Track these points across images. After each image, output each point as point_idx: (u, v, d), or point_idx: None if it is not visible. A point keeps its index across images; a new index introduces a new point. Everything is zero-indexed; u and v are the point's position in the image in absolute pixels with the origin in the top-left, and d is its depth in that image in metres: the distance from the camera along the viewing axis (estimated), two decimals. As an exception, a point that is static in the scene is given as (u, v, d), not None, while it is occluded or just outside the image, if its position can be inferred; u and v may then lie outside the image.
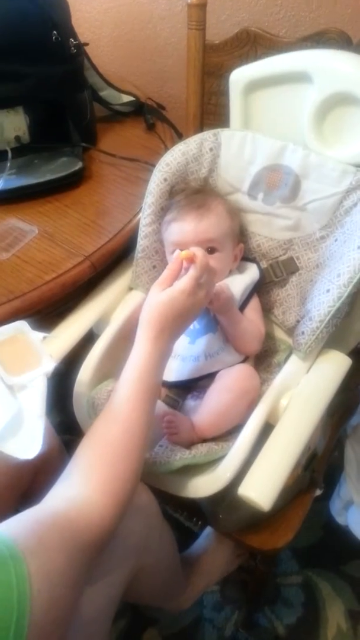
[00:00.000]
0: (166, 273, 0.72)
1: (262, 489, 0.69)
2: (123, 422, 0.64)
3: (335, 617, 1.19)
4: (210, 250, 0.85)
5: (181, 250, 0.86)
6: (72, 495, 0.58)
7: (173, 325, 0.70)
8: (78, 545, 0.52)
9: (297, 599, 1.22)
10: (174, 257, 0.73)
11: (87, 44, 1.08)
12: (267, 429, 0.77)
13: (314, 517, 1.29)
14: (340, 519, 1.25)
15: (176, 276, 0.72)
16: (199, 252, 0.72)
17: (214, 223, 0.85)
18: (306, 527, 0.90)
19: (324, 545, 1.28)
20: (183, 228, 0.86)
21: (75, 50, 1.02)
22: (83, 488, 0.59)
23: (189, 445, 0.80)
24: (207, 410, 0.82)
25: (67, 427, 0.93)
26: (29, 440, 0.63)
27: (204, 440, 0.81)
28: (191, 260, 0.72)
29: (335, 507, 1.25)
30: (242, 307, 0.89)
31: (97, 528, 0.56)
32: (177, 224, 0.87)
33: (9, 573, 0.43)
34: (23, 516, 0.52)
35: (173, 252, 0.88)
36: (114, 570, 0.68)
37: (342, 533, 1.23)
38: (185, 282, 0.70)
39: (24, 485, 0.85)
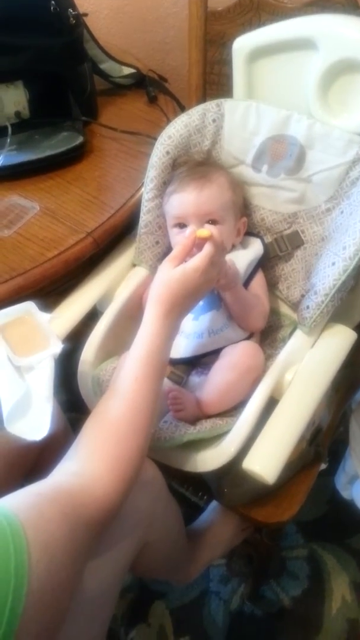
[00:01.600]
0: (179, 249, 0.71)
1: (266, 462, 0.69)
2: (130, 399, 0.64)
3: (340, 589, 1.20)
4: (211, 223, 0.84)
5: (180, 223, 0.86)
6: (77, 470, 0.58)
7: (183, 303, 0.69)
8: (80, 520, 0.52)
9: (302, 572, 1.23)
10: (188, 233, 0.72)
11: (86, 15, 1.06)
12: (271, 404, 0.77)
13: (319, 492, 1.30)
14: (345, 493, 1.25)
15: (188, 253, 0.71)
16: (215, 230, 0.71)
17: (215, 194, 0.84)
18: (311, 501, 0.90)
19: (329, 519, 1.29)
20: (183, 200, 0.85)
21: (74, 21, 0.99)
22: (88, 464, 0.59)
23: (193, 421, 0.80)
24: (211, 387, 0.82)
25: (72, 405, 0.94)
26: (36, 422, 0.63)
27: (209, 416, 0.81)
28: (206, 238, 0.70)
29: (340, 482, 1.26)
30: (247, 282, 0.88)
31: (101, 504, 0.56)
32: (178, 195, 0.86)
33: (7, 543, 0.43)
34: (25, 490, 0.52)
35: (174, 225, 0.87)
36: (120, 544, 0.69)
37: (347, 507, 1.24)
38: (199, 260, 0.69)
39: (29, 462, 0.85)
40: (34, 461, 0.87)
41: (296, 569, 1.23)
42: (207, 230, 0.71)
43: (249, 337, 0.88)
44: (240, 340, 0.86)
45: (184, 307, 0.70)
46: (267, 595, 1.20)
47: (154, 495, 0.77)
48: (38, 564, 0.44)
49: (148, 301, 0.69)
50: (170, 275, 0.68)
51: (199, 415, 0.81)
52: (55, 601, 0.46)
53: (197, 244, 0.71)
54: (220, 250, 0.71)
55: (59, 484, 0.56)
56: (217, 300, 0.85)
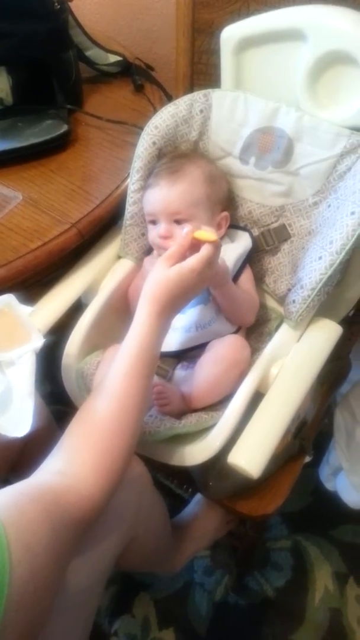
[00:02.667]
0: (176, 249, 0.70)
1: (251, 457, 0.69)
2: (119, 397, 0.63)
3: (322, 579, 1.22)
4: (179, 222, 0.83)
5: (153, 220, 0.85)
6: (62, 468, 0.58)
7: (177, 303, 0.70)
8: (64, 520, 0.51)
9: (286, 563, 1.24)
10: (185, 233, 0.70)
11: (71, 0, 1.03)
12: (257, 398, 0.77)
13: (303, 483, 1.31)
14: (329, 485, 1.27)
15: (185, 252, 0.70)
16: (214, 234, 0.70)
17: (185, 191, 0.82)
18: (295, 493, 0.91)
19: (312, 510, 1.31)
20: (154, 196, 0.84)
21: (59, 7, 0.97)
22: (73, 462, 0.58)
23: (179, 415, 0.80)
24: (197, 381, 0.82)
25: (57, 397, 0.93)
26: (18, 419, 0.63)
27: (194, 410, 0.80)
28: (205, 241, 0.70)
29: (324, 473, 1.27)
30: (236, 277, 0.88)
31: (85, 504, 0.55)
32: (150, 191, 0.85)
33: None
34: (8, 488, 0.51)
35: (148, 221, 0.87)
36: (105, 541, 0.68)
37: (331, 498, 1.26)
38: (197, 261, 0.68)
39: (12, 458, 0.85)
40: (18, 456, 0.86)
41: (280, 560, 1.25)
42: (206, 232, 0.70)
43: (236, 331, 0.88)
44: (228, 334, 0.86)
45: (177, 306, 0.70)
46: (251, 586, 1.21)
47: (140, 492, 0.77)
48: (20, 563, 0.44)
49: (141, 298, 0.69)
50: (166, 274, 0.68)
51: (185, 409, 0.81)
52: (38, 602, 0.45)
53: (195, 244, 0.70)
54: (218, 252, 0.71)
55: (42, 482, 0.55)
56: (205, 295, 0.85)
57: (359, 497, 1.13)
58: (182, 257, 0.69)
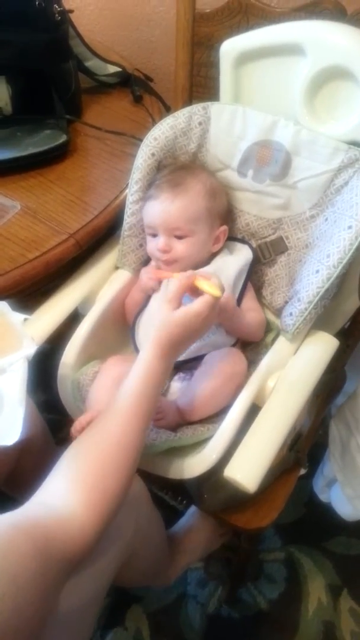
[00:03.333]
0: (176, 289, 0.70)
1: (248, 471, 0.69)
2: (118, 436, 0.63)
3: (316, 591, 1.21)
4: (179, 237, 0.84)
5: (152, 233, 0.86)
6: (55, 504, 0.56)
7: (182, 346, 0.70)
8: (53, 556, 0.50)
9: (279, 575, 1.24)
10: (186, 275, 0.72)
11: (72, 11, 1.04)
12: (254, 410, 0.77)
13: (297, 495, 1.31)
14: (323, 497, 1.26)
15: (183, 293, 0.71)
16: (218, 289, 0.70)
17: (186, 206, 0.83)
18: (289, 504, 0.91)
19: (306, 522, 1.30)
20: (154, 209, 0.84)
21: (59, 17, 0.97)
22: (67, 499, 0.57)
23: (174, 427, 0.80)
24: (193, 394, 0.81)
25: (51, 406, 0.92)
26: (8, 427, 0.62)
27: (190, 423, 0.80)
28: (206, 292, 0.70)
29: (318, 485, 1.27)
30: (241, 294, 0.88)
31: (76, 542, 0.54)
32: (151, 203, 0.85)
33: None
34: (0, 518, 0.51)
35: (148, 233, 0.88)
36: (102, 561, 0.67)
37: (325, 510, 1.25)
38: (202, 306, 0.69)
39: (8, 465, 0.84)
40: (14, 463, 0.85)
41: (273, 572, 1.24)
42: (210, 286, 0.70)
43: (235, 343, 0.88)
44: (225, 346, 0.86)
45: (181, 349, 0.71)
46: (244, 598, 1.21)
47: (138, 510, 0.77)
48: (3, 597, 0.43)
49: (148, 337, 0.69)
50: (173, 318, 0.68)
51: (180, 422, 0.80)
52: (21, 634, 0.44)
53: (192, 289, 0.71)
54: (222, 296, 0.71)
55: (34, 516, 0.54)
56: None
57: (352, 509, 1.12)
58: (182, 296, 0.70)
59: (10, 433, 0.61)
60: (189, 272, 0.73)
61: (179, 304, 0.70)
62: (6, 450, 0.74)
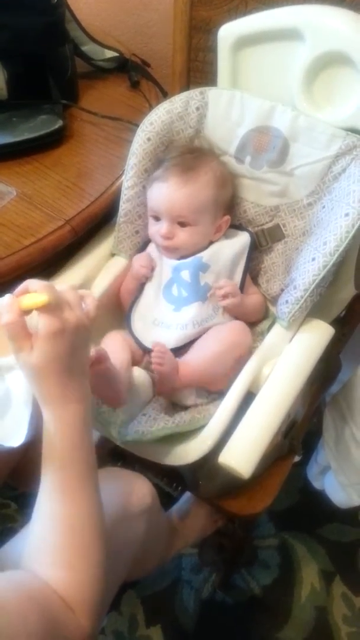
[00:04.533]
0: (15, 334, 0.54)
1: (242, 457, 0.70)
2: (73, 517, 0.55)
3: (309, 577, 1.23)
4: (181, 225, 0.84)
5: (155, 216, 0.85)
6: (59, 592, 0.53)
7: (68, 371, 0.55)
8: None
9: (273, 561, 1.25)
10: (8, 305, 0.54)
11: (68, -6, 1.03)
12: (249, 398, 0.77)
13: (291, 482, 1.31)
14: (316, 484, 1.28)
15: (24, 327, 0.54)
16: (41, 294, 0.54)
17: (194, 193, 0.82)
18: (283, 492, 0.92)
19: (300, 509, 1.32)
20: (161, 193, 0.84)
21: (56, 1, 0.96)
22: (67, 594, 0.53)
23: (169, 387, 0.80)
24: (194, 355, 0.81)
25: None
26: (13, 428, 0.61)
27: (185, 386, 0.81)
28: (36, 308, 0.54)
29: (312, 472, 1.28)
30: (243, 280, 0.89)
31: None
32: (158, 185, 0.84)
33: None
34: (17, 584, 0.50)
35: (150, 215, 0.87)
36: (114, 575, 0.67)
37: (318, 497, 1.26)
38: (49, 322, 0.54)
39: (13, 462, 0.83)
40: (19, 456, 0.84)
41: (267, 558, 1.25)
42: (30, 297, 0.54)
43: None
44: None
45: (72, 373, 0.56)
46: (238, 584, 1.22)
47: (151, 520, 0.77)
48: None
49: (39, 403, 0.57)
50: (31, 362, 0.54)
51: (176, 382, 0.79)
52: None
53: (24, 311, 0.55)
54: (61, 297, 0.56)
55: (45, 596, 0.51)
56: (202, 292, 0.85)
57: (345, 496, 1.13)
58: (24, 327, 0.54)
59: (16, 435, 0.60)
60: (7, 301, 0.54)
61: (25, 342, 0.54)
62: (8, 453, 0.74)
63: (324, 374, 1.05)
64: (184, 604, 1.19)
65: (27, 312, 0.54)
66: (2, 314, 0.53)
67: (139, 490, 0.76)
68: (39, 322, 0.54)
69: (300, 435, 0.99)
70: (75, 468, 0.56)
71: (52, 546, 0.55)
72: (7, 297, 0.55)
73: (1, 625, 0.45)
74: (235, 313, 0.86)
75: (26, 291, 0.55)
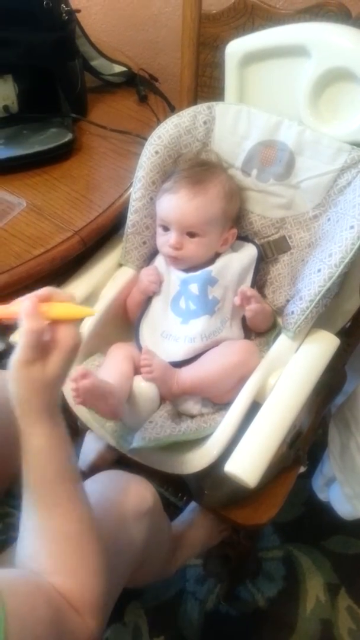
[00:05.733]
0: (35, 344, 0.51)
1: (248, 466, 0.70)
2: (72, 525, 0.56)
3: (314, 590, 1.22)
4: (190, 235, 0.85)
5: (164, 226, 0.87)
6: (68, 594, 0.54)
7: (46, 393, 0.53)
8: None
9: (278, 573, 1.24)
10: (32, 308, 0.52)
11: (79, 11, 1.05)
12: (254, 407, 0.77)
13: (296, 493, 1.31)
14: (322, 496, 1.27)
15: (39, 335, 0.52)
16: (81, 309, 0.55)
17: (205, 206, 0.84)
18: (288, 503, 0.91)
19: (305, 520, 1.31)
20: (171, 204, 0.85)
21: (66, 17, 0.99)
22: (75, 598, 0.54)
23: (166, 390, 0.80)
24: (198, 366, 0.82)
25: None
26: None
27: (183, 392, 0.81)
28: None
29: (318, 484, 1.27)
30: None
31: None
32: (168, 196, 0.86)
33: None
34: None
35: (159, 225, 0.88)
36: (115, 574, 0.67)
37: (324, 509, 1.25)
38: (71, 340, 0.53)
39: (17, 467, 0.84)
40: (18, 472, 0.85)
41: (272, 570, 1.25)
42: (69, 307, 0.54)
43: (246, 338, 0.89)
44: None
45: (48, 393, 0.54)
46: (243, 596, 1.21)
47: (152, 522, 0.77)
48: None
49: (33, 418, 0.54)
50: (48, 378, 0.53)
51: (173, 387, 0.80)
52: None
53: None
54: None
55: (50, 589, 0.53)
56: (211, 305, 0.85)
57: (351, 508, 1.13)
58: (42, 338, 0.52)
59: None
60: (29, 305, 0.52)
61: (40, 352, 0.52)
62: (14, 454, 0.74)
63: (330, 385, 1.06)
64: (188, 615, 1.18)
65: (51, 321, 0.53)
66: (27, 318, 0.50)
67: (140, 492, 0.77)
68: (61, 335, 0.52)
69: (305, 446, 0.99)
70: (67, 478, 0.56)
71: (51, 557, 0.55)
72: (29, 300, 0.52)
73: (12, 608, 0.45)
74: (254, 321, 0.87)
75: (49, 299, 0.54)
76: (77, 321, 0.54)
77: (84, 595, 0.54)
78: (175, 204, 0.84)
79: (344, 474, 1.10)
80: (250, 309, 0.85)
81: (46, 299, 0.54)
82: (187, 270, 0.88)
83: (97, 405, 0.74)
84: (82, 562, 0.56)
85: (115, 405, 0.74)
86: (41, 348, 0.52)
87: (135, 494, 0.75)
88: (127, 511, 0.72)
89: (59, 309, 0.53)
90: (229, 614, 1.19)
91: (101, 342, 0.89)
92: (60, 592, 0.53)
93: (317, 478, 1.27)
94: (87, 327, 0.86)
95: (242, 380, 0.79)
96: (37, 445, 0.54)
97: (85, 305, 0.79)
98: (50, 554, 0.55)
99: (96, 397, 0.72)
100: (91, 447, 1.11)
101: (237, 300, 0.84)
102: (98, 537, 0.57)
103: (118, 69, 1.16)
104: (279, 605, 1.20)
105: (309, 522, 1.31)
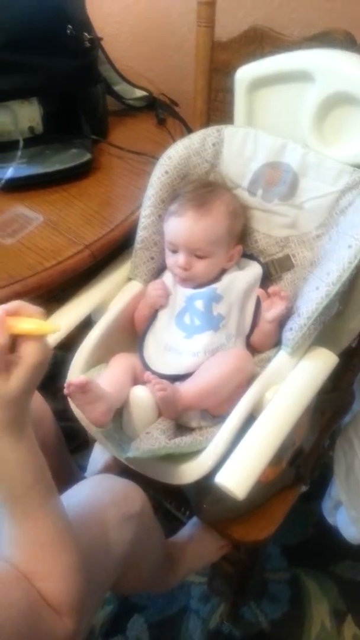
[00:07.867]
0: None
1: (238, 478, 0.70)
2: (46, 533, 0.59)
3: (320, 615, 1.20)
4: (198, 257, 0.88)
5: (172, 248, 0.89)
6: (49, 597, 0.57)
7: (9, 408, 0.53)
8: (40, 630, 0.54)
9: (283, 595, 1.23)
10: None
11: (101, 39, 1.11)
12: (251, 421, 0.78)
13: (305, 516, 1.30)
14: (330, 519, 1.25)
15: (6, 353, 0.52)
16: (46, 324, 0.55)
17: (210, 227, 0.86)
18: (297, 526, 0.92)
19: (314, 544, 1.29)
20: (178, 227, 0.88)
21: (89, 45, 1.05)
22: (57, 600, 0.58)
23: (174, 410, 0.81)
24: (195, 379, 0.83)
25: (65, 415, 0.95)
26: None
27: (188, 409, 0.82)
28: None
29: (327, 507, 1.26)
30: (257, 309, 0.90)
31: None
32: (174, 220, 0.89)
33: None
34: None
35: (168, 247, 0.91)
36: (101, 575, 0.69)
37: (333, 533, 1.24)
38: (38, 354, 0.53)
39: None
40: None
41: (277, 592, 1.23)
42: (33, 323, 0.54)
43: None
44: None
45: (11, 410, 0.53)
46: (247, 617, 1.20)
47: (140, 526, 0.78)
48: None
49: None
50: (11, 392, 0.52)
51: (178, 406, 0.81)
52: None
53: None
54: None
55: (37, 594, 0.56)
56: (215, 321, 0.87)
57: (356, 532, 1.11)
58: (6, 353, 0.52)
59: None
60: None
61: (2, 366, 0.52)
62: None
63: (336, 405, 1.05)
64: (190, 633, 1.18)
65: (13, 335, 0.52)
66: None
67: (128, 495, 0.78)
68: (26, 350, 0.52)
69: (308, 465, 0.99)
70: (36, 489, 0.58)
71: (27, 561, 0.58)
72: None
73: None
74: (269, 327, 0.88)
75: (17, 313, 0.53)
76: (44, 337, 0.53)
77: (59, 597, 0.56)
78: (182, 227, 0.87)
79: (349, 496, 1.09)
80: (282, 307, 0.84)
81: (14, 313, 0.53)
82: (194, 286, 0.91)
83: (85, 409, 0.76)
84: (56, 567, 0.58)
85: (103, 412, 0.76)
86: (4, 363, 0.51)
87: (123, 496, 0.77)
88: (113, 512, 0.74)
89: (24, 324, 0.52)
90: (231, 634, 1.18)
91: (107, 352, 0.91)
92: (40, 593, 0.56)
93: (326, 501, 1.26)
94: (93, 336, 0.90)
95: (239, 388, 0.80)
96: (3, 458, 0.55)
97: (100, 316, 0.84)
98: (27, 559, 0.58)
99: (86, 399, 0.75)
100: (99, 457, 1.14)
101: (270, 291, 0.86)
102: (73, 541, 0.60)
103: (139, 93, 1.22)
104: (283, 629, 1.18)
105: (318, 545, 1.29)
